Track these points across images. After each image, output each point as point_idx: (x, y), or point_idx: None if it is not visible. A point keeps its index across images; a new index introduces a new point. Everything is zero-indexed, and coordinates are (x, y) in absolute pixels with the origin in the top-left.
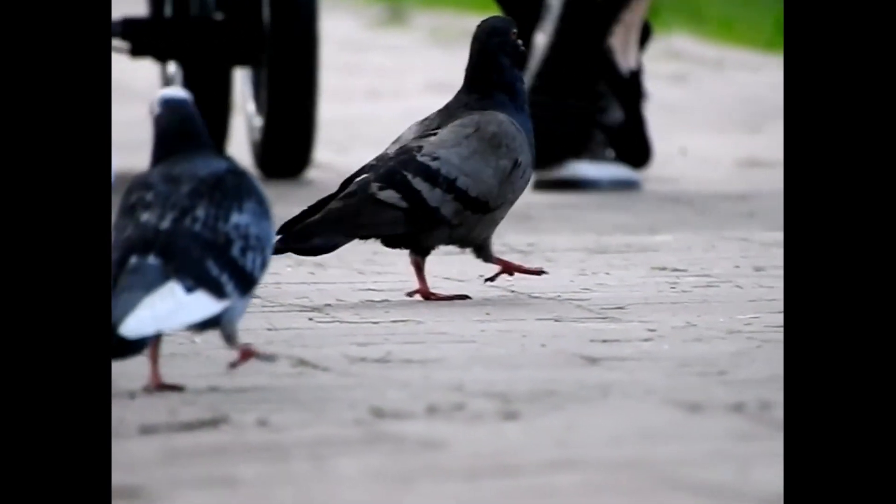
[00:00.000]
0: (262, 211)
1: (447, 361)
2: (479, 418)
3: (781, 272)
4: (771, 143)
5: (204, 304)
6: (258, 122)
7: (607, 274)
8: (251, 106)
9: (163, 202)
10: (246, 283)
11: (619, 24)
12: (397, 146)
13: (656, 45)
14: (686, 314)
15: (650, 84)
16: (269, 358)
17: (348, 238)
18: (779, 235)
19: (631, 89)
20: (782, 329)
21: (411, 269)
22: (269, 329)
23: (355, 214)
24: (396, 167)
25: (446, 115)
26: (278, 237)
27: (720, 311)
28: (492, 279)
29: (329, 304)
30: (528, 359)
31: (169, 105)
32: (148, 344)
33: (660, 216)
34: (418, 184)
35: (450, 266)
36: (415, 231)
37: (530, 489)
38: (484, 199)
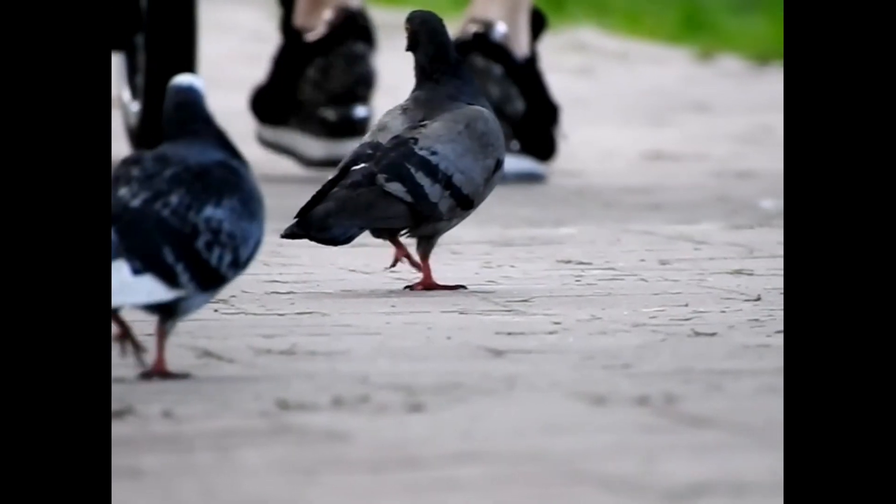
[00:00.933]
0: (246, 211)
1: (352, 353)
2: (384, 410)
3: (686, 266)
4: (675, 136)
5: (151, 289)
6: (135, 107)
7: (512, 267)
8: (126, 92)
9: (142, 181)
10: (207, 278)
11: (506, 10)
12: (388, 135)
13: (562, 37)
14: (591, 307)
15: (555, 77)
16: (179, 376)
17: (363, 229)
18: (683, 228)
19: (528, 77)
20: (687, 322)
21: (310, 259)
22: None
23: (369, 206)
24: (400, 159)
25: (427, 105)
26: (295, 220)
27: (625, 305)
28: (393, 266)
29: (234, 296)
30: (434, 351)
31: (174, 91)
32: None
33: (565, 209)
34: (421, 178)
35: (355, 258)
36: (415, 225)
37: (434, 481)
38: (472, 197)
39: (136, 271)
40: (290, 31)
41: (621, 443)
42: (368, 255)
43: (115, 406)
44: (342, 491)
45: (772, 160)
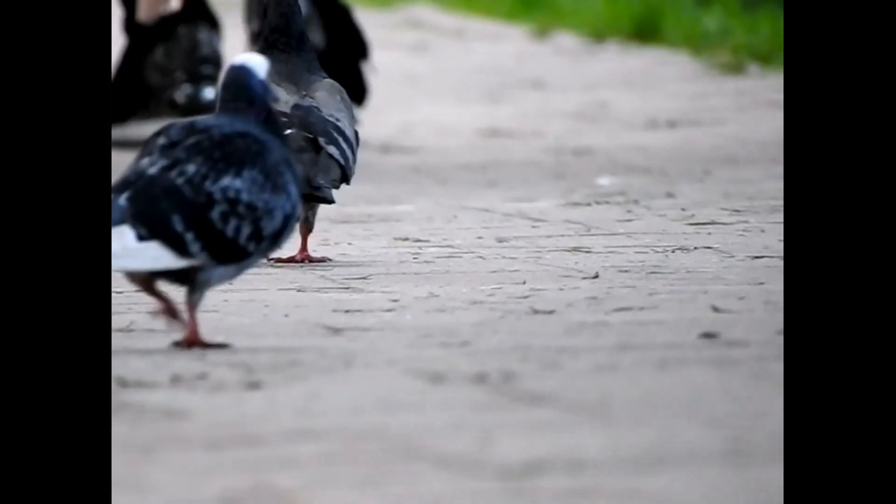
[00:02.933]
0: (269, 182)
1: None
2: (222, 388)
3: (524, 243)
4: (512, 113)
5: (157, 256)
6: None
7: (350, 244)
8: None
9: (163, 149)
10: (223, 249)
11: None
12: (283, 105)
13: (398, 14)
14: (428, 285)
15: (391, 54)
16: (215, 346)
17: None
18: (520, 206)
19: (330, 9)
20: (525, 300)
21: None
22: None
23: (327, 169)
24: (322, 124)
25: (291, 79)
26: None
27: (463, 282)
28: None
29: None
30: (271, 328)
31: (228, 69)
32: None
33: (401, 186)
34: (342, 144)
35: None
36: (337, 188)
37: (271, 458)
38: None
39: (142, 237)
40: (133, 28)
41: (458, 420)
42: None
43: None
44: (180, 468)
45: (608, 137)
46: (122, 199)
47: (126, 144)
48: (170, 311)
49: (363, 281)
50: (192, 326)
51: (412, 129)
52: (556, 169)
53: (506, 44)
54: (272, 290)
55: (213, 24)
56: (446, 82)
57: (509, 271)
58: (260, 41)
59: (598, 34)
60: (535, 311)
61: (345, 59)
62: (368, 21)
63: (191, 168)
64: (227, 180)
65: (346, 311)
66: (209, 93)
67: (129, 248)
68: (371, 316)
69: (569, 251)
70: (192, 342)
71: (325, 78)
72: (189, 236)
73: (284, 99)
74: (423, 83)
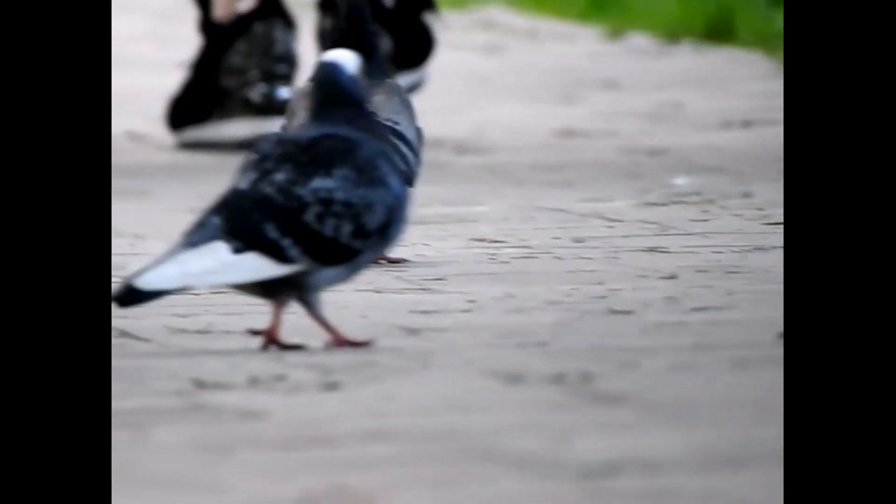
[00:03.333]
0: (363, 178)
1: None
2: (299, 389)
3: (600, 244)
4: (585, 114)
5: (256, 267)
6: None
7: (426, 245)
8: None
9: (256, 164)
10: (325, 249)
11: None
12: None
13: (471, 15)
14: (505, 285)
15: (464, 55)
16: (360, 344)
17: None
18: (596, 206)
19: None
20: (602, 300)
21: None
22: None
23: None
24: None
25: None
26: None
27: (539, 282)
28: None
29: None
30: (348, 329)
31: (317, 67)
32: (165, 296)
33: (477, 187)
34: (402, 148)
35: None
36: None
37: (346, 459)
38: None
39: (237, 250)
40: (209, 28)
41: (535, 421)
42: None
43: None
44: (256, 469)
45: (682, 137)
46: (216, 217)
47: (202, 146)
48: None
49: (440, 282)
50: (335, 335)
51: (486, 129)
52: (631, 169)
53: (579, 44)
54: (349, 291)
55: (288, 22)
56: (520, 83)
57: (586, 271)
58: (327, 42)
59: (672, 34)
60: (612, 312)
61: (409, 12)
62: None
63: (279, 176)
64: (317, 182)
65: (423, 312)
66: (284, 92)
67: (226, 262)
68: (448, 317)
69: (645, 251)
70: (272, 340)
71: (384, 80)
72: (286, 242)
73: None
74: (496, 84)
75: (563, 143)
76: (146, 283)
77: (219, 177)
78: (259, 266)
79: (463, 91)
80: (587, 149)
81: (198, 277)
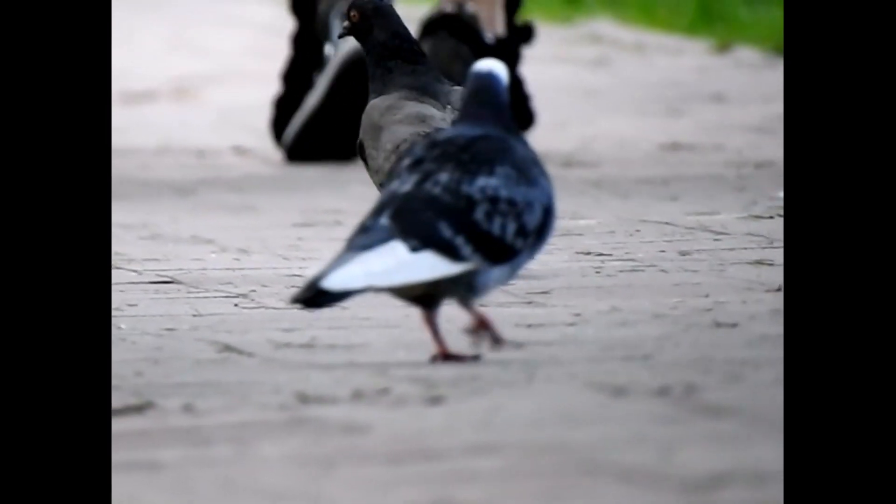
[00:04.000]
0: (522, 176)
1: (372, 346)
2: (403, 403)
3: (706, 256)
4: (692, 127)
5: (433, 265)
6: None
7: (530, 258)
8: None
9: (411, 167)
10: (492, 248)
11: None
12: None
13: (577, 29)
14: (611, 298)
15: (571, 69)
16: (499, 342)
17: None
18: (702, 219)
19: (498, 57)
20: (707, 313)
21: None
22: (195, 315)
23: None
24: None
25: (426, 89)
26: None
27: (645, 296)
28: None
29: (254, 290)
30: (452, 343)
31: (471, 76)
32: (351, 297)
33: (582, 200)
34: None
35: None
36: None
37: (451, 473)
38: None
39: (414, 249)
40: (305, 41)
41: (640, 433)
42: None
43: (134, 400)
44: (360, 483)
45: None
46: (384, 220)
47: (308, 158)
48: (488, 329)
49: (545, 295)
50: (481, 317)
51: (592, 143)
52: (738, 182)
53: (686, 57)
54: (452, 305)
55: None
56: (626, 96)
57: (692, 284)
58: (378, 48)
59: (779, 47)
60: (718, 324)
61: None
62: (550, 36)
63: (443, 176)
64: (482, 180)
65: (529, 326)
66: None
67: (404, 261)
68: (553, 330)
69: (751, 264)
70: (446, 356)
71: (454, 86)
72: (459, 240)
73: (440, 115)
74: (603, 97)
75: (670, 156)
76: (332, 283)
77: (324, 191)
78: (435, 264)
79: (570, 105)
80: (693, 162)
81: (380, 276)
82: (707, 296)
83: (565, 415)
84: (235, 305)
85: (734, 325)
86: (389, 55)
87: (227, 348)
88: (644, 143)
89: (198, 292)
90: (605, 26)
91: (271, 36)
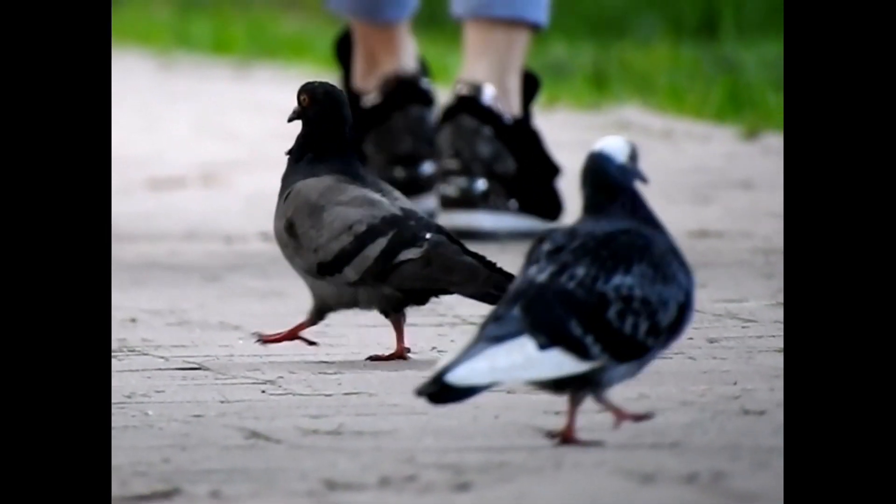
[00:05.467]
0: (658, 274)
1: (399, 433)
2: (431, 489)
3: (734, 344)
4: (720, 214)
5: (559, 363)
6: None
7: None
8: None
9: (549, 255)
10: (622, 347)
11: (495, 72)
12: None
13: (606, 116)
14: (639, 385)
15: None
16: (643, 417)
17: None
18: (730, 306)
19: (519, 136)
20: (735, 400)
21: (357, 339)
22: (222, 401)
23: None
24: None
25: (362, 179)
26: None
27: (673, 383)
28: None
29: (281, 376)
30: (480, 430)
31: (587, 157)
32: (477, 393)
33: None
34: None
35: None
36: None
37: None
38: None
39: (543, 346)
40: (348, 93)
41: None
42: (414, 335)
43: (161, 486)
44: None
45: None
46: (516, 310)
47: None
48: (618, 411)
49: None
50: (571, 424)
51: None
52: (766, 269)
53: (714, 144)
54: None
55: (426, 102)
56: (654, 183)
57: (720, 372)
58: (318, 132)
59: None
60: (746, 412)
61: (536, 180)
62: (578, 122)
63: (580, 270)
64: (617, 278)
65: (557, 413)
66: (427, 168)
67: (532, 358)
68: (581, 417)
69: (779, 351)
70: (571, 439)
71: (378, 179)
72: (588, 339)
73: (386, 201)
74: None
75: (698, 243)
76: (458, 378)
77: None
78: (561, 362)
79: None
80: (721, 249)
81: (505, 373)
82: (735, 383)
83: (593, 501)
84: (263, 392)
85: (762, 413)
86: (327, 140)
87: (255, 435)
88: (672, 229)
89: (225, 378)
90: (634, 113)
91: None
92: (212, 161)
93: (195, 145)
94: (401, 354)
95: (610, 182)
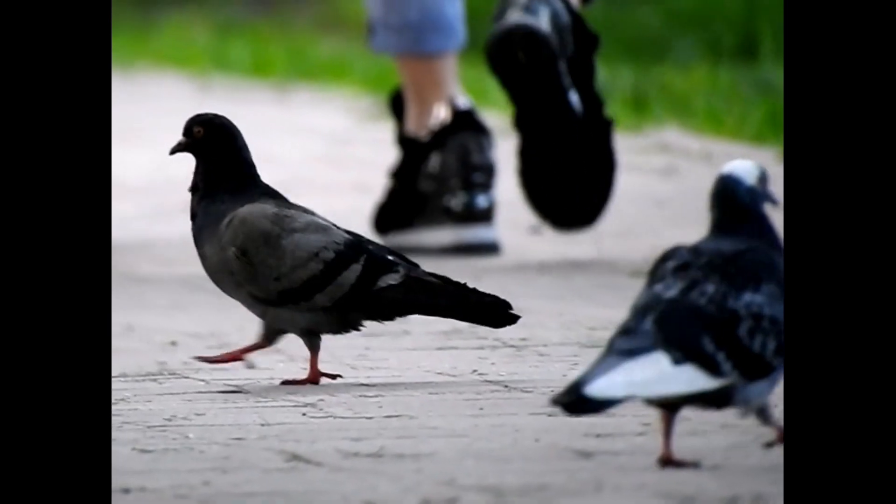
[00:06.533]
0: (784, 295)
1: (440, 455)
2: None
3: None
4: None
5: (692, 379)
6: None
7: None
8: None
9: (676, 272)
10: (751, 365)
11: None
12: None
13: (645, 138)
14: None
15: (639, 178)
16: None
17: None
18: None
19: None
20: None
21: (397, 362)
22: (263, 424)
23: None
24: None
25: (297, 207)
26: None
27: None
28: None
29: (322, 399)
30: (521, 453)
31: (716, 178)
32: (612, 406)
33: None
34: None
35: (441, 361)
36: None
37: None
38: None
39: (677, 361)
40: (404, 141)
41: None
42: (455, 358)
43: None
44: None
45: None
46: (647, 324)
47: (406, 250)
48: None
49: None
50: (667, 446)
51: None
52: None
53: None
54: (522, 414)
55: (483, 132)
56: (693, 206)
57: None
58: (223, 164)
59: None
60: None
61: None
62: (618, 145)
63: (710, 287)
64: (747, 296)
65: (597, 436)
66: (482, 200)
67: (665, 373)
68: (621, 440)
69: None
70: (669, 461)
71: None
72: (720, 356)
73: (334, 226)
74: (671, 207)
75: None
76: (595, 391)
77: None
78: (694, 378)
79: (638, 214)
80: None
81: (640, 387)
82: (776, 405)
83: None
84: (303, 415)
85: None
86: (235, 169)
87: (295, 457)
88: None
89: (266, 401)
90: (673, 135)
91: (340, 145)
92: None
93: None
94: (314, 378)
95: (739, 205)
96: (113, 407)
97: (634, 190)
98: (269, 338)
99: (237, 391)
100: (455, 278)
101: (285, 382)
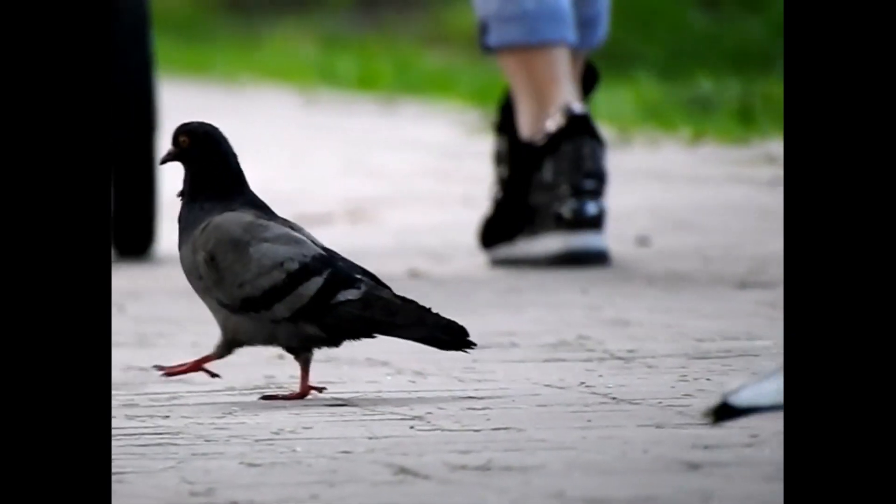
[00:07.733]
0: None
1: (548, 468)
2: None
3: None
4: None
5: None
6: None
7: (708, 380)
8: None
9: None
10: None
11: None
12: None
13: (752, 150)
14: (746, 422)
15: (747, 190)
16: None
17: None
18: None
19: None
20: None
21: (504, 375)
22: (370, 437)
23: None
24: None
25: (279, 219)
26: None
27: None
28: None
29: (429, 412)
30: (629, 465)
31: None
32: (759, 412)
33: (756, 321)
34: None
35: (548, 373)
36: None
37: None
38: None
39: None
40: (517, 148)
41: None
42: (562, 370)
43: None
44: None
45: None
46: None
47: (512, 262)
48: None
49: None
50: None
51: (767, 265)
52: None
53: None
54: (630, 426)
55: (597, 139)
56: None
57: None
58: (210, 172)
59: None
60: None
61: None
62: (725, 157)
63: None
64: None
65: (705, 447)
66: (592, 207)
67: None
68: (729, 451)
69: None
70: None
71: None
72: None
73: (308, 239)
74: (776, 218)
75: None
76: (740, 399)
77: (499, 312)
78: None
79: (744, 225)
80: None
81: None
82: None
83: None
84: (411, 428)
85: None
86: (220, 177)
87: (403, 470)
88: None
89: (373, 415)
90: (779, 147)
91: (447, 158)
92: (358, 197)
93: (341, 181)
94: (303, 394)
95: None
96: (220, 421)
97: (740, 202)
98: (225, 348)
99: (344, 404)
100: (560, 291)
101: (266, 398)
